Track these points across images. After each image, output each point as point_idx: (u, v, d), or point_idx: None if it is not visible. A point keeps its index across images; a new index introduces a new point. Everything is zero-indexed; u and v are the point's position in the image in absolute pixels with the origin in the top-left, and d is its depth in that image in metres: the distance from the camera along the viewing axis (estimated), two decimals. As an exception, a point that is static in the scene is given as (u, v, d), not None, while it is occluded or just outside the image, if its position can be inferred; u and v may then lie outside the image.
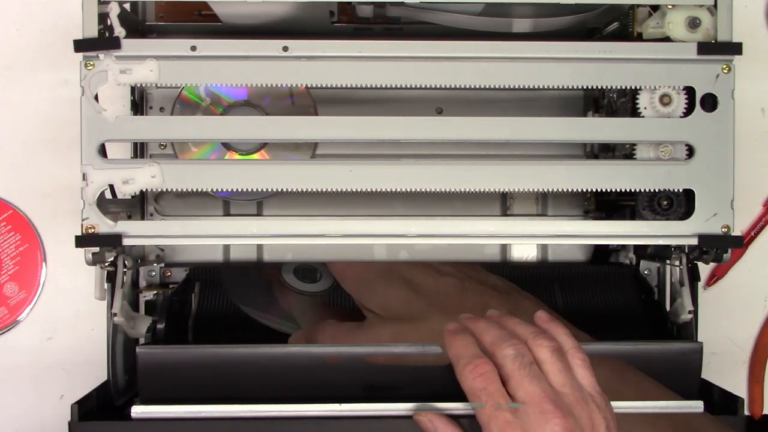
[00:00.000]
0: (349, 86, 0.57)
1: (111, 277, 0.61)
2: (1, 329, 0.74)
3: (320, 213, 0.70)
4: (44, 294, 0.74)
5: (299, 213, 0.71)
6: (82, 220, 0.56)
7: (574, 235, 0.58)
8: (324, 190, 0.56)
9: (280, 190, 0.57)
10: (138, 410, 0.57)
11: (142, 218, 0.68)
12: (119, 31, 0.57)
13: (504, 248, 0.74)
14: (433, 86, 0.57)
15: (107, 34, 0.57)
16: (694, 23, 0.57)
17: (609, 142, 0.65)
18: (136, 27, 0.66)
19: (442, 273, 0.62)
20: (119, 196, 0.57)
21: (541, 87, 0.57)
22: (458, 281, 0.62)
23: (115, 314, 0.60)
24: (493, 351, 0.51)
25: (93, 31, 0.56)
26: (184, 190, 0.57)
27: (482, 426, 0.49)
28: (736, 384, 0.76)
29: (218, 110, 0.66)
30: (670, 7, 0.58)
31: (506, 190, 0.58)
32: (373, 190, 0.56)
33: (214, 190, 0.57)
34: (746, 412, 0.75)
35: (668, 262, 0.65)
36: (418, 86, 0.57)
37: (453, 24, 0.60)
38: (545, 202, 0.74)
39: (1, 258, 0.75)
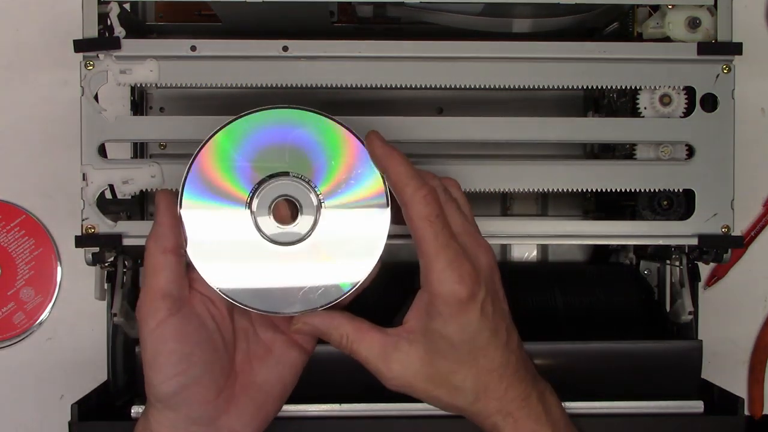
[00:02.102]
0: (349, 86, 0.57)
1: (111, 277, 0.61)
2: (19, 334, 0.74)
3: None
4: (61, 295, 0.75)
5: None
6: (82, 220, 0.56)
7: (574, 235, 0.58)
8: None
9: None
10: (138, 410, 0.57)
11: (142, 218, 0.68)
12: (119, 31, 0.57)
13: (504, 248, 0.74)
14: (433, 86, 0.57)
15: (107, 34, 0.57)
16: (694, 23, 0.57)
17: (609, 142, 0.65)
18: (136, 27, 0.66)
19: None
20: (119, 196, 0.57)
21: (541, 87, 0.57)
22: None
23: (115, 314, 0.60)
24: None
25: (93, 31, 0.56)
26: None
27: (426, 256, 0.47)
28: (736, 384, 0.76)
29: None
30: (670, 7, 0.58)
31: (506, 190, 0.58)
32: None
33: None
34: (746, 412, 0.75)
35: (668, 262, 0.65)
36: (418, 86, 0.57)
37: (453, 24, 0.60)
38: (545, 202, 0.74)
39: (16, 264, 0.75)
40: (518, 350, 0.49)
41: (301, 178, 0.50)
